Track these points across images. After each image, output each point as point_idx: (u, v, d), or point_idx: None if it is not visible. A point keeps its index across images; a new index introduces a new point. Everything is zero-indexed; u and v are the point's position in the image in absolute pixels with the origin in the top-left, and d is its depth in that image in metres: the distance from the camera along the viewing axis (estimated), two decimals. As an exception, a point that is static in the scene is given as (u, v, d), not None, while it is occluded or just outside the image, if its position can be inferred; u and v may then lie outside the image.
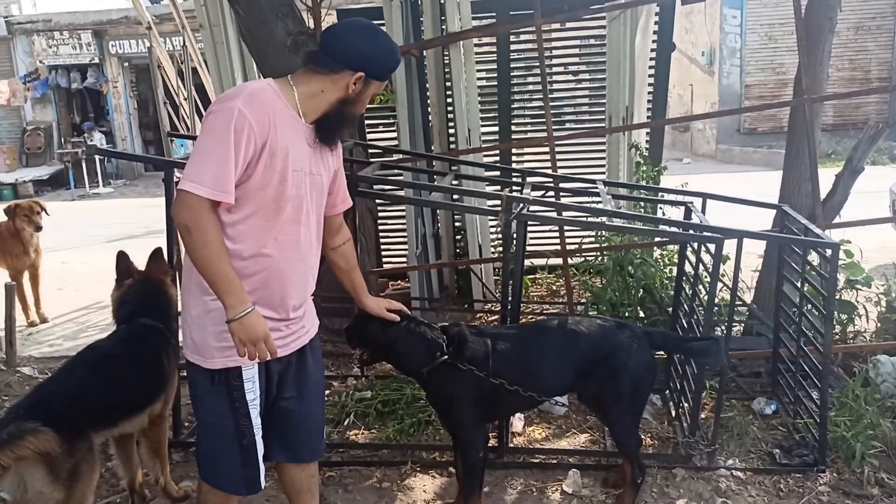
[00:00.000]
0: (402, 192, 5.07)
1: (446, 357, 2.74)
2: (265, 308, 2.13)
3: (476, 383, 2.77)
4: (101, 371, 2.70)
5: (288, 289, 2.18)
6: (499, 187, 4.80)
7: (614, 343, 2.88)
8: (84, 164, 14.85)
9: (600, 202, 3.53)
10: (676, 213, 3.94)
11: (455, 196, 4.81)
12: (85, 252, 7.70)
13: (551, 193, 4.32)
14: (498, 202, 3.19)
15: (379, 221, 6.13)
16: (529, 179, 4.02)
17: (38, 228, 5.67)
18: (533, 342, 2.93)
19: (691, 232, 3.53)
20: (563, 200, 4.23)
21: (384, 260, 6.28)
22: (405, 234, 5.57)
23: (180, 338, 2.35)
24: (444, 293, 6.01)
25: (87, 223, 10.88)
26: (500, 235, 5.04)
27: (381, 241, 6.23)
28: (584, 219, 3.44)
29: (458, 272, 5.96)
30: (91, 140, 15.61)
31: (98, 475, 2.60)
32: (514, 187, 4.17)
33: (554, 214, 3.67)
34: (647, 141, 5.59)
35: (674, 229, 3.56)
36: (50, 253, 8.54)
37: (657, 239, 4.39)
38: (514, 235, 3.18)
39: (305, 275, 2.25)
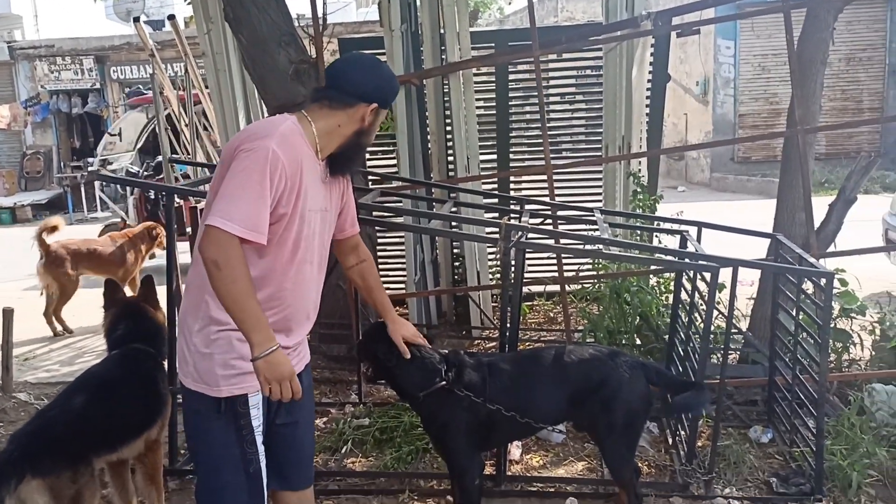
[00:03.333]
0: (401, 220, 5.12)
1: (444, 382, 2.76)
2: None
3: (471, 409, 2.79)
4: (101, 396, 2.71)
5: (294, 323, 2.23)
6: (497, 215, 4.84)
7: (606, 372, 2.90)
8: (83, 189, 14.92)
9: (597, 230, 3.57)
10: (672, 242, 3.98)
11: (454, 223, 4.84)
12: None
13: (549, 221, 4.37)
14: (496, 230, 3.23)
15: (378, 248, 6.17)
16: (527, 207, 4.07)
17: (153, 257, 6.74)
18: (527, 370, 2.96)
19: (687, 260, 3.58)
20: (561, 228, 4.28)
21: (383, 286, 6.29)
22: (404, 260, 5.60)
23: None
24: (442, 320, 6.02)
25: (85, 247, 10.86)
26: (498, 263, 5.08)
27: (380, 267, 6.25)
28: (582, 247, 3.48)
29: (457, 299, 5.98)
30: (90, 166, 15.70)
31: (97, 501, 2.60)
32: (513, 215, 4.22)
33: (552, 242, 3.70)
34: (645, 169, 5.64)
35: (670, 258, 3.60)
36: (47, 278, 8.56)
37: (653, 267, 4.43)
38: (513, 263, 3.21)
39: (309, 309, 2.29)
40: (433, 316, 5.85)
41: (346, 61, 2.27)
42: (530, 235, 3.41)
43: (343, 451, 3.74)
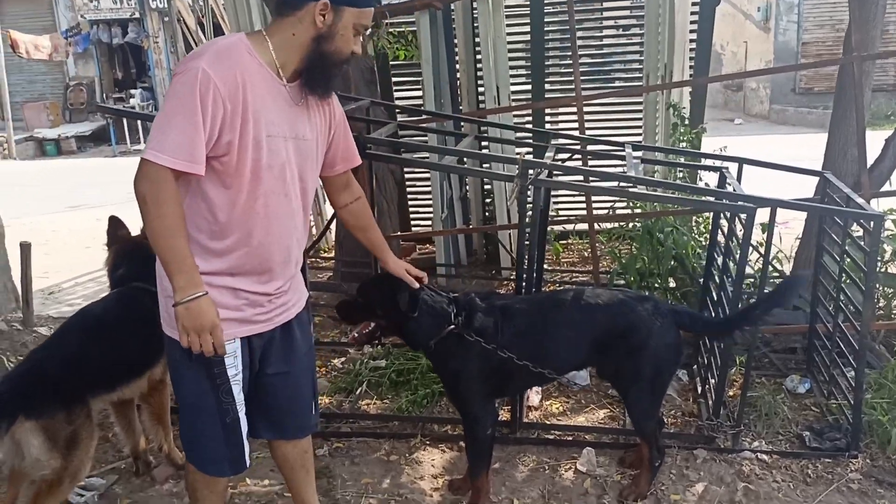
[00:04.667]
0: (425, 155, 4.91)
1: (453, 327, 2.61)
2: (247, 282, 2.02)
3: (483, 355, 2.63)
4: (97, 335, 2.64)
5: (271, 264, 2.05)
6: (529, 149, 4.58)
7: (634, 319, 2.69)
8: (125, 121, 14.97)
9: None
10: (713, 179, 3.70)
11: (472, 159, 4.62)
12: (119, 209, 7.75)
13: (578, 157, 4.11)
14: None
15: (407, 184, 6.00)
16: (554, 142, 3.82)
17: None
18: (547, 314, 2.76)
19: (724, 201, 3.30)
20: (590, 165, 4.02)
21: (412, 223, 6.15)
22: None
23: None
24: (472, 258, 5.87)
25: (126, 180, 10.79)
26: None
27: (410, 203, 6.10)
28: (606, 185, 3.24)
29: (487, 237, 5.80)
30: (132, 98, 15.74)
31: (96, 442, 2.56)
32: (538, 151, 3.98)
33: (575, 179, 3.46)
34: (689, 101, 5.27)
35: (705, 197, 3.34)
36: (87, 210, 8.69)
37: (685, 207, 4.16)
38: (530, 202, 3.00)
39: (290, 248, 2.11)
40: (462, 254, 5.69)
41: None
42: (554, 172, 3.17)
43: (358, 392, 3.66)
